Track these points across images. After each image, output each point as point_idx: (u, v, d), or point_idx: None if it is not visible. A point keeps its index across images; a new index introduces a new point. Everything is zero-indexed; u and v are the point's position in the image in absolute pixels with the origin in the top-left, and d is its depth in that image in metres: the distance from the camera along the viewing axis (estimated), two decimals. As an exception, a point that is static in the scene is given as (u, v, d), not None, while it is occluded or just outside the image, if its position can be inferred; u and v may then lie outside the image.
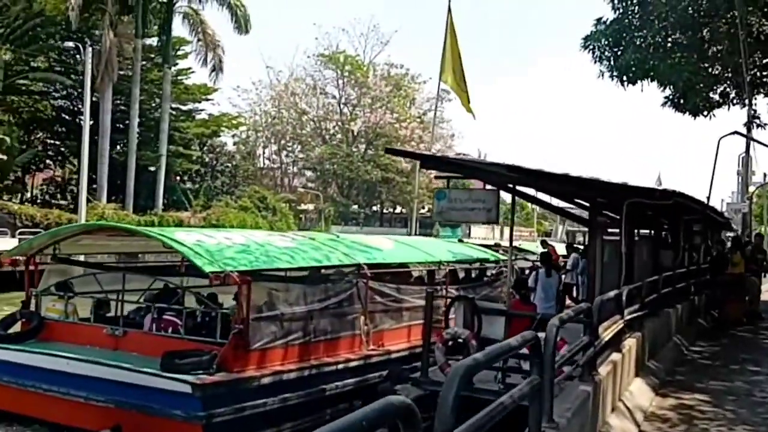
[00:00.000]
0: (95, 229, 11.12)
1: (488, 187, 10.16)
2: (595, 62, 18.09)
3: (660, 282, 10.86)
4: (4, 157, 32.54)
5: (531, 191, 10.85)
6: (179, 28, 44.17)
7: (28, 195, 47.64)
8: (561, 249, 22.53)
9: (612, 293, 7.15)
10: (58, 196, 47.98)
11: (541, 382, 4.05)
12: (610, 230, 12.30)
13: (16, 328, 10.37)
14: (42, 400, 9.05)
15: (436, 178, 12.81)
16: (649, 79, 18.35)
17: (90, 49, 31.98)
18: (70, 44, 34.26)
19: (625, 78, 17.53)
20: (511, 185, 10.02)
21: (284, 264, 10.44)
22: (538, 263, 12.97)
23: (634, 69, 16.37)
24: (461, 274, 17.60)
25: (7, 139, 33.07)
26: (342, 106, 65.09)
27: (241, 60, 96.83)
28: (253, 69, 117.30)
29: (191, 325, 10.04)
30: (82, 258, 12.91)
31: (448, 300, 13.17)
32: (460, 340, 9.57)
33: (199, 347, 9.05)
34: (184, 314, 9.82)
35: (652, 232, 15.45)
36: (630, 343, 7.86)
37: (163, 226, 38.52)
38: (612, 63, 17.26)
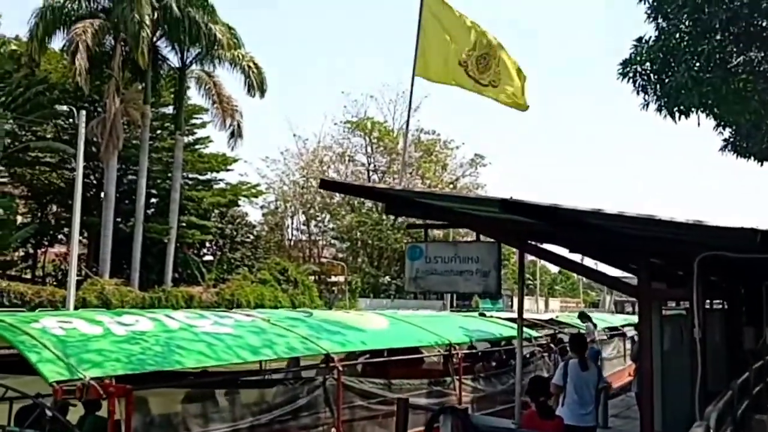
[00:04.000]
0: None
1: (484, 238, 6.82)
2: (638, 92, 14.72)
3: (751, 377, 7.30)
4: (-6, 231, 30.20)
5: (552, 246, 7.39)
6: (197, 97, 42.54)
7: (40, 272, 45.57)
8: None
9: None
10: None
11: None
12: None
13: None
14: None
15: (409, 227, 9.50)
16: (705, 112, 14.85)
17: (84, 113, 29.93)
18: (64, 108, 32.25)
19: (676, 109, 14.04)
20: (519, 237, 6.72)
21: (191, 362, 6.70)
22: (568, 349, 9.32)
23: (685, 93, 12.91)
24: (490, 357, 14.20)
25: (0, 210, 30.83)
26: (371, 173, 62.53)
27: (272, 132, 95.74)
28: (283, 140, 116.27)
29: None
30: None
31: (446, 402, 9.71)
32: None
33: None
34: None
35: (723, 302, 11.89)
36: None
37: (171, 302, 35.64)
38: (658, 89, 13.83)
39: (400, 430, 6.61)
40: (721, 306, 12.08)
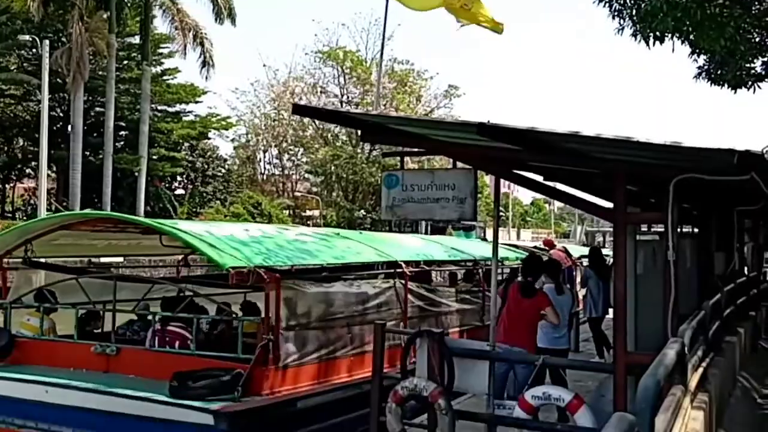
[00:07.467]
0: (75, 222, 9.03)
1: (460, 165, 6.77)
2: (614, 17, 14.46)
3: (722, 300, 7.46)
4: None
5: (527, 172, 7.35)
6: (165, 26, 41.20)
7: (9, 207, 44.88)
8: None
9: (671, 354, 3.70)
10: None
11: None
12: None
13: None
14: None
15: (384, 155, 9.57)
16: (680, 39, 14.66)
17: (47, 43, 28.94)
18: (27, 38, 31.15)
19: (650, 33, 13.86)
20: (495, 164, 6.68)
21: (314, 260, 8.92)
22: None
23: (661, 17, 12.76)
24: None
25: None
26: (344, 104, 61.58)
27: (245, 63, 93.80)
28: (254, 70, 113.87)
29: (202, 338, 8.22)
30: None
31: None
32: (424, 396, 6.39)
33: (215, 365, 7.22)
34: (195, 324, 7.78)
35: (695, 228, 12.07)
36: (695, 423, 4.42)
37: (144, 235, 35.53)
38: (634, 14, 13.65)
39: (378, 352, 6.73)
40: (692, 232, 12.27)
